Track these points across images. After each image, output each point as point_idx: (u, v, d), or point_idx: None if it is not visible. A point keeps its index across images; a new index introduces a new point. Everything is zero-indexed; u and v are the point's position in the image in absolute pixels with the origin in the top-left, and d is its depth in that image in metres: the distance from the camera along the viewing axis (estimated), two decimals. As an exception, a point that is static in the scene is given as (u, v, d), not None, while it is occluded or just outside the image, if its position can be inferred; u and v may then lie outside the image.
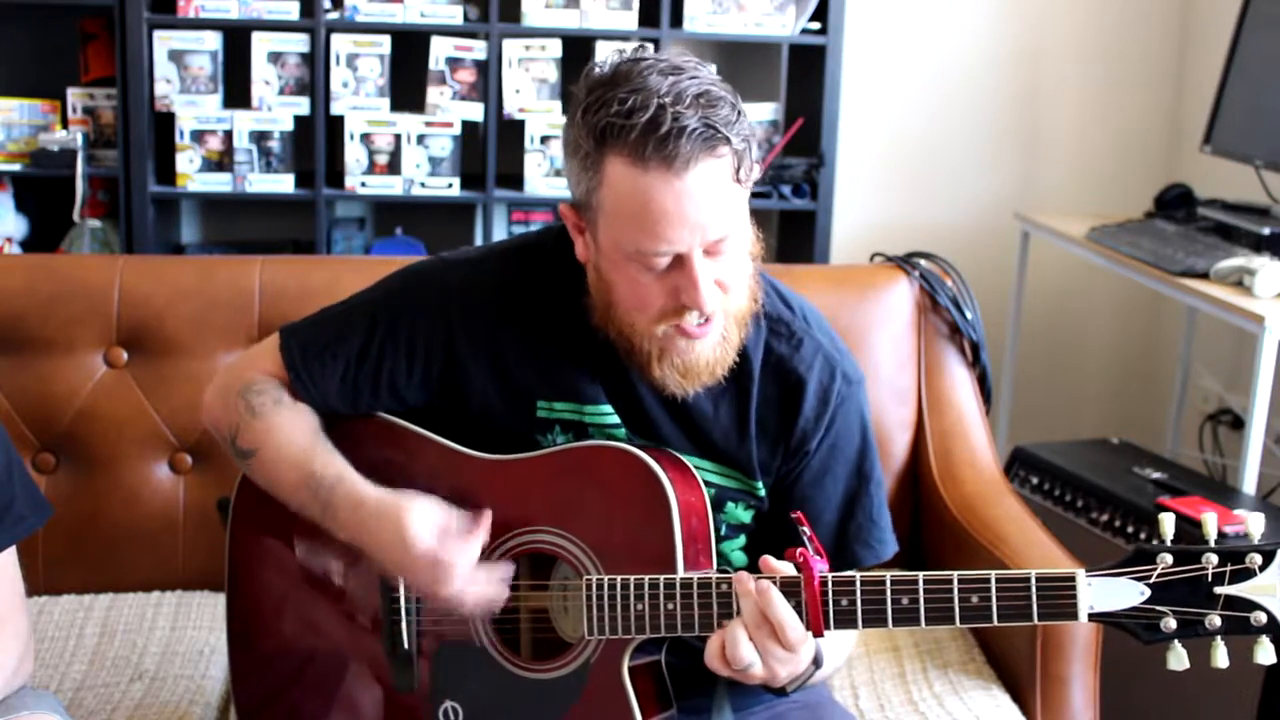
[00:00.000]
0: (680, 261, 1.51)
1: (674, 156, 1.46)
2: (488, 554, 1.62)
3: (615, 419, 1.67)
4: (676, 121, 1.46)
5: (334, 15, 3.43)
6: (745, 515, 1.70)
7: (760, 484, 1.69)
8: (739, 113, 1.51)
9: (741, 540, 1.71)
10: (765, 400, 1.67)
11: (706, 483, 1.66)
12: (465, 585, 1.57)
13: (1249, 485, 2.80)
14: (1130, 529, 2.69)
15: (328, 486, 1.63)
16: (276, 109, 3.46)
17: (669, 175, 1.47)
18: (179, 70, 3.41)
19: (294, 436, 1.68)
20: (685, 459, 1.66)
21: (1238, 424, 3.51)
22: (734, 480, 1.69)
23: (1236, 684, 2.47)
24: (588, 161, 1.52)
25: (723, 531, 1.69)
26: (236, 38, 3.46)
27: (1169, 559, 1.44)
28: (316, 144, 3.45)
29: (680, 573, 1.56)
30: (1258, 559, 1.42)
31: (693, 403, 1.65)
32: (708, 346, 1.58)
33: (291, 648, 1.77)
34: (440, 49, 3.46)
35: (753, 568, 1.55)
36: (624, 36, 3.50)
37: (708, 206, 1.49)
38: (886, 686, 2.09)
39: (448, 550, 1.56)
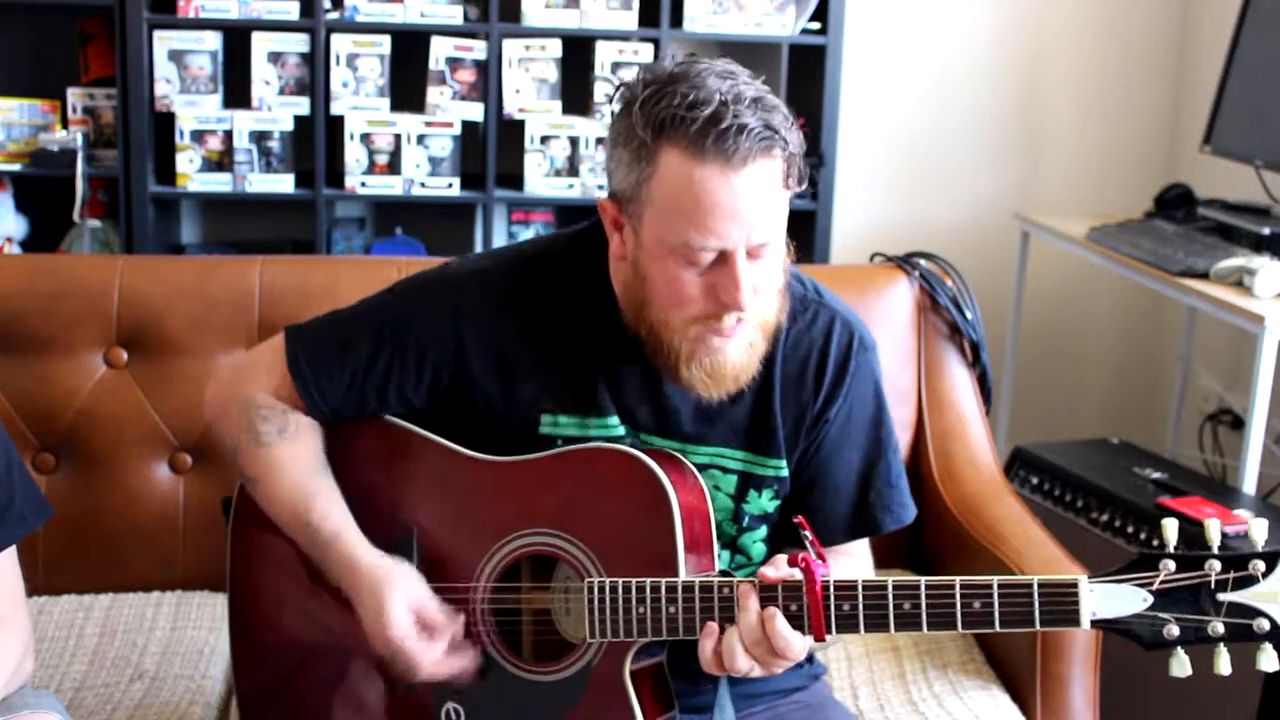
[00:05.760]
0: (723, 259, 1.53)
1: (733, 152, 1.48)
2: (490, 556, 1.64)
3: (620, 431, 1.67)
4: (737, 119, 1.48)
5: (334, 15, 3.43)
6: (770, 505, 1.70)
7: (784, 463, 1.69)
8: (791, 121, 1.54)
9: (763, 531, 1.72)
10: (787, 377, 1.69)
11: (731, 470, 1.68)
12: (429, 671, 1.62)
13: (1249, 485, 2.80)
14: (1130, 529, 2.69)
15: (324, 540, 1.66)
16: (276, 109, 3.45)
17: (726, 169, 1.49)
18: (179, 70, 3.41)
19: (295, 476, 1.69)
20: (710, 450, 1.67)
21: (1238, 424, 3.51)
22: (760, 465, 1.69)
23: (1237, 686, 2.46)
24: (641, 151, 1.53)
25: (745, 523, 1.70)
26: (236, 38, 3.46)
27: (1172, 565, 1.44)
28: (316, 144, 3.45)
29: (682, 575, 1.56)
30: (1261, 565, 1.42)
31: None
32: (737, 350, 1.59)
33: (294, 644, 1.77)
34: (440, 49, 3.46)
35: (773, 556, 1.56)
36: (624, 36, 3.50)
37: (758, 206, 1.51)
38: (886, 686, 2.09)
39: (417, 647, 1.61)
